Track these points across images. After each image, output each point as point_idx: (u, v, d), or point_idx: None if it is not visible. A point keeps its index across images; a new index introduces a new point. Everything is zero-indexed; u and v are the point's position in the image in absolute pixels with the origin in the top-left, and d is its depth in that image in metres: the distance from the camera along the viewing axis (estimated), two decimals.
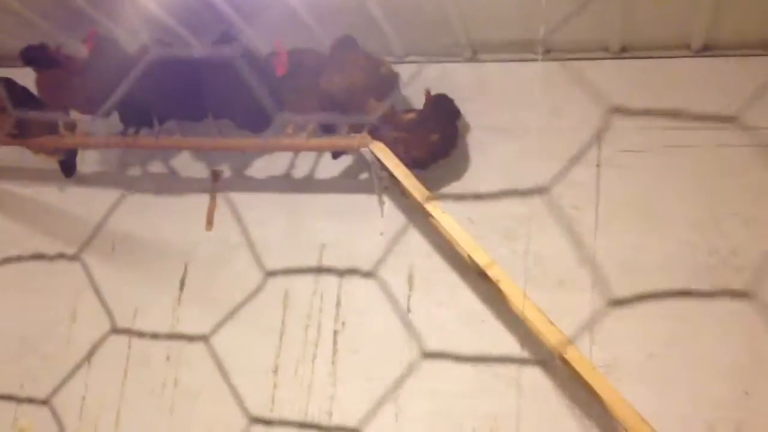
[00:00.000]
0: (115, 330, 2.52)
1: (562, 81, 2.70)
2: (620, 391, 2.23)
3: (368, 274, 2.77)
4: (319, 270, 2.84)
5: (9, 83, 2.86)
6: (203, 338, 2.78)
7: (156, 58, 2.66)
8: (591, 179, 2.65)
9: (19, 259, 3.07)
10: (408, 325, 2.70)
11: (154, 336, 2.91)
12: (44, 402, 2.37)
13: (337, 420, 2.66)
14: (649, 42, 2.63)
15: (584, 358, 2.30)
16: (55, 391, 2.93)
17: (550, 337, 2.33)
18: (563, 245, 2.62)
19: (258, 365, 2.78)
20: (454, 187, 2.76)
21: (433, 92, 2.71)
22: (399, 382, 2.63)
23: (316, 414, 2.69)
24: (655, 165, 2.60)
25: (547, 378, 2.50)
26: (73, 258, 3.06)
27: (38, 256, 3.09)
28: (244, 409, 2.50)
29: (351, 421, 2.64)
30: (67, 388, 2.92)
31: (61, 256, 3.06)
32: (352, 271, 2.80)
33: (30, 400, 2.96)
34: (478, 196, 2.74)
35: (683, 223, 2.53)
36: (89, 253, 3.06)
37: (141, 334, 2.91)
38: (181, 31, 2.79)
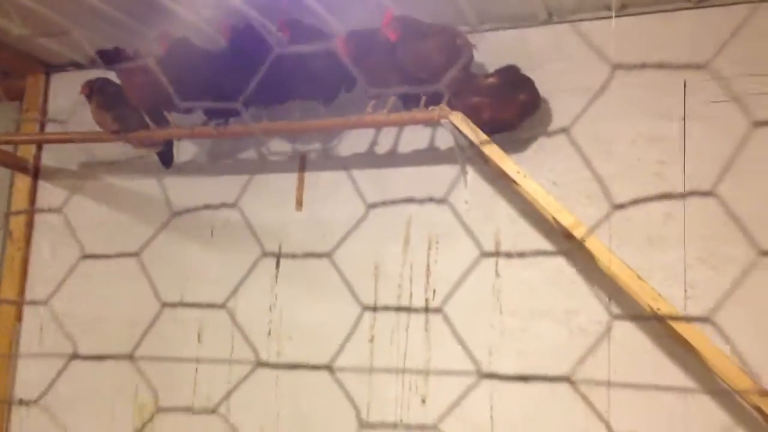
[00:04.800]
0: (221, 306, 2.69)
1: (641, 36, 2.66)
2: (716, 344, 2.21)
3: (454, 243, 2.83)
4: (407, 241, 2.91)
5: (106, 83, 3.05)
6: (302, 312, 2.90)
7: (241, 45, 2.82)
8: (677, 133, 2.61)
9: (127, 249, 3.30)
10: (495, 290, 2.74)
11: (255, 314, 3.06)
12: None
13: (433, 384, 2.75)
14: None
15: (676, 311, 2.30)
16: (168, 370, 3.14)
17: (641, 293, 2.33)
18: (650, 203, 2.60)
19: (355, 335, 2.89)
20: (537, 151, 2.77)
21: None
22: (490, 345, 2.69)
23: (412, 379, 2.79)
24: (742, 115, 2.54)
25: (641, 333, 2.50)
26: (177, 244, 3.26)
27: (143, 245, 3.30)
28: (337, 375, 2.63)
29: (446, 386, 2.72)
30: (178, 369, 3.13)
31: (165, 243, 3.26)
32: (439, 241, 2.86)
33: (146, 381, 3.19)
34: (561, 159, 2.74)
35: None
36: (191, 238, 3.25)
37: (242, 312, 3.07)
38: (264, 22, 2.90)
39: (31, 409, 3.36)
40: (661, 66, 2.65)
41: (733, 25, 2.59)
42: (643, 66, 2.66)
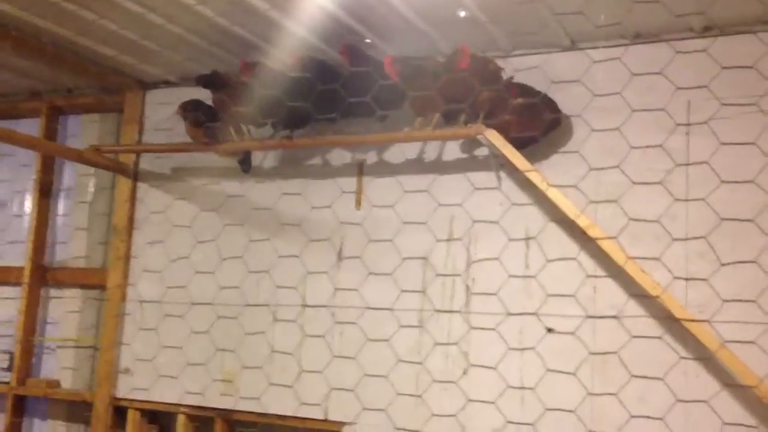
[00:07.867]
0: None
1: (651, 61, 3.09)
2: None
3: (490, 239, 3.33)
4: (450, 238, 3.41)
5: (197, 104, 3.64)
6: (358, 292, 3.47)
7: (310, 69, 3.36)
8: (682, 145, 3.03)
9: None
10: (526, 277, 3.23)
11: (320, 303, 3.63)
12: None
13: (473, 356, 3.27)
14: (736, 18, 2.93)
15: (674, 298, 2.76)
16: (238, 345, 3.72)
17: (645, 283, 2.80)
18: (659, 205, 3.03)
19: (406, 316, 3.42)
20: (560, 161, 3.22)
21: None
22: (521, 324, 3.20)
23: (455, 351, 3.31)
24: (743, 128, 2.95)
25: (646, 313, 2.98)
26: (267, 240, 3.82)
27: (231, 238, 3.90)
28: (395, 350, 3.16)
29: (484, 358, 3.24)
30: (255, 342, 3.72)
31: (248, 238, 3.85)
32: (478, 237, 3.35)
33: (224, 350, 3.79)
34: (580, 167, 3.18)
35: None
36: (268, 233, 3.82)
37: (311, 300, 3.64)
38: (325, 49, 3.44)
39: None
40: (668, 88, 3.06)
41: (732, 53, 2.99)
42: (652, 88, 3.08)
